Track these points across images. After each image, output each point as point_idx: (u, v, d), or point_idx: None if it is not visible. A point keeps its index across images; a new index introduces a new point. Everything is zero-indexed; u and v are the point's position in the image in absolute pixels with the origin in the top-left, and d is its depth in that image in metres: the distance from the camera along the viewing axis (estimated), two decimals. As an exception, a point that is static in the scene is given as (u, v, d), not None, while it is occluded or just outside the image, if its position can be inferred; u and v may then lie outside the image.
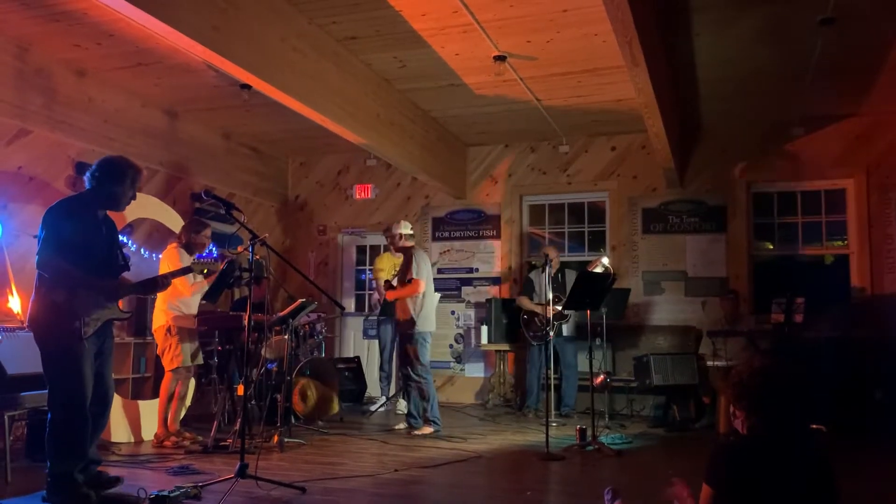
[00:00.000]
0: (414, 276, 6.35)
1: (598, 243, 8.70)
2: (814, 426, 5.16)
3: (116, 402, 5.82)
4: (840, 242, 7.99)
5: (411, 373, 6.34)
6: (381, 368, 8.00)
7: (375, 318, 8.22)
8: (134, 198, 4.19)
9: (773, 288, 7.56)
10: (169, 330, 5.67)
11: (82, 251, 3.90)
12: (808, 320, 6.70)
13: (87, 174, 4.06)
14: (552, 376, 6.73)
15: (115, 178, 4.04)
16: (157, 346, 5.85)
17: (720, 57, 6.16)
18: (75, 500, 3.84)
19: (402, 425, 6.53)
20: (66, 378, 3.86)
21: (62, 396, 3.88)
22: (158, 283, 4.41)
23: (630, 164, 8.46)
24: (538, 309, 7.33)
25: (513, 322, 7.97)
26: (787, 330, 6.72)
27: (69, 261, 3.83)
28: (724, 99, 7.25)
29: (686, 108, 7.51)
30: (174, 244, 5.81)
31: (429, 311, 6.47)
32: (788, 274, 8.12)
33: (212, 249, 6.18)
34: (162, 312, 5.72)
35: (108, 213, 4.19)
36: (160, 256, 5.99)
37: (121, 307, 4.19)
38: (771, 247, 8.26)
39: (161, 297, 5.73)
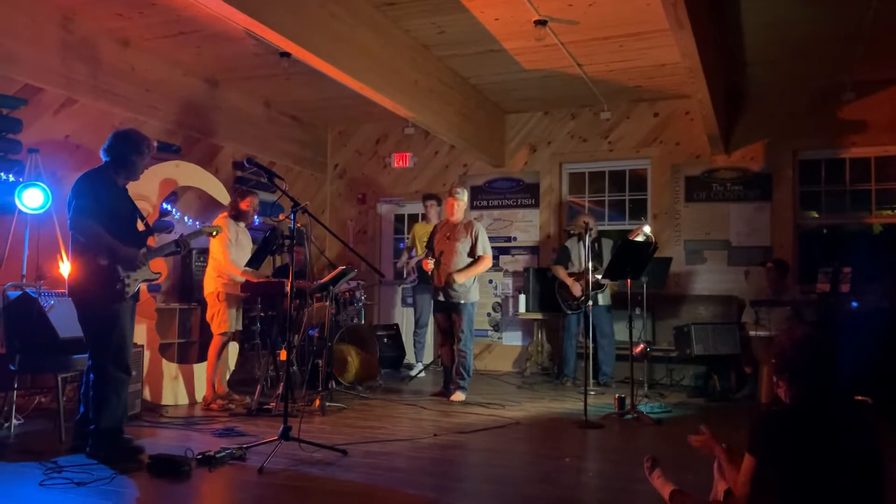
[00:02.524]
0: (482, 251, 6.47)
1: (639, 212, 8.59)
2: (858, 397, 5.09)
3: (163, 365, 5.99)
4: (890, 211, 7.76)
5: (458, 345, 6.39)
6: (415, 334, 8.10)
7: (411, 285, 8.31)
8: (146, 167, 4.47)
9: (819, 257, 7.40)
10: (218, 296, 5.86)
11: (113, 217, 4.16)
12: (855, 290, 6.55)
13: (104, 148, 4.31)
14: (590, 345, 6.69)
15: (132, 148, 4.30)
16: (207, 311, 6.01)
17: (768, 19, 5.96)
18: (125, 453, 4.03)
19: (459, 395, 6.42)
20: (113, 337, 4.10)
21: (109, 355, 4.10)
22: (181, 244, 4.56)
23: (673, 130, 8.30)
24: (569, 280, 7.31)
25: (551, 291, 7.96)
26: (833, 300, 6.58)
27: (103, 226, 4.08)
28: (771, 63, 7.04)
29: (731, 73, 7.30)
30: (224, 214, 6.05)
31: (476, 280, 6.56)
32: (835, 243, 7.93)
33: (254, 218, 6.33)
34: (212, 280, 5.91)
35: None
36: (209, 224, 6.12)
37: (152, 270, 4.41)
38: (816, 215, 8.06)
39: (211, 265, 5.95)
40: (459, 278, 6.36)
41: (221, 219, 5.96)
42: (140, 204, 4.98)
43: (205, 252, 6.40)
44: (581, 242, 7.48)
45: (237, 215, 6.04)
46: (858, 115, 7.56)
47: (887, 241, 7.72)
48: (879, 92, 7.48)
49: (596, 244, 7.30)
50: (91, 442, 4.09)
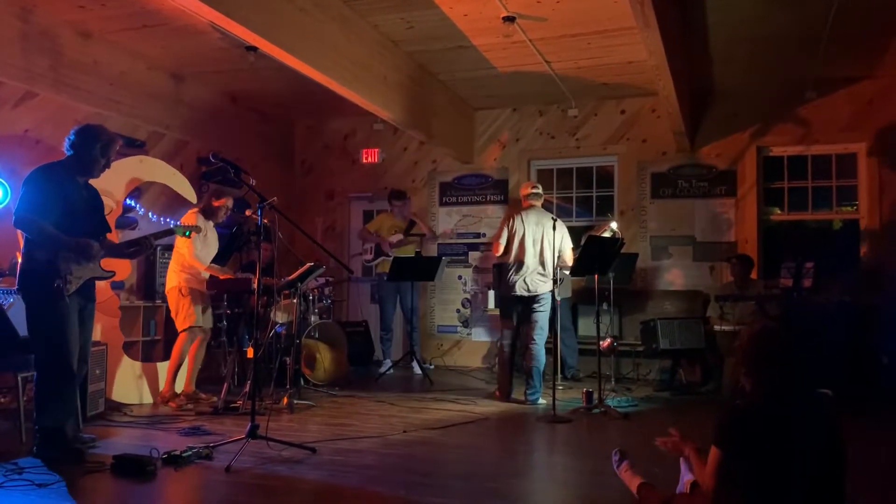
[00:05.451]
0: None
1: (606, 208, 8.65)
2: (819, 390, 5.20)
3: (126, 364, 5.89)
4: (850, 207, 7.93)
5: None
6: (388, 330, 8.07)
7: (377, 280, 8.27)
8: (107, 166, 4.36)
9: (783, 253, 7.53)
10: (181, 290, 5.76)
11: (62, 213, 4.06)
12: (817, 285, 6.69)
13: (66, 141, 4.25)
14: (555, 340, 6.73)
15: (88, 144, 4.22)
16: (168, 307, 5.91)
17: (734, 18, 6.04)
18: (67, 454, 3.99)
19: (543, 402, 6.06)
20: (52, 335, 4.02)
21: (49, 353, 4.04)
22: (143, 244, 4.51)
23: (640, 127, 8.38)
24: None
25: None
26: (796, 295, 6.72)
27: (49, 221, 3.99)
28: (736, 61, 7.14)
29: (697, 71, 7.40)
30: (195, 209, 5.93)
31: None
32: (798, 239, 8.08)
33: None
34: (174, 273, 5.81)
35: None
36: (177, 222, 6.01)
37: (103, 268, 4.33)
38: (780, 211, 8.20)
39: (174, 260, 5.85)
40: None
41: (191, 214, 5.82)
42: (102, 199, 4.86)
43: (170, 248, 6.29)
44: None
45: (208, 212, 5.92)
46: (820, 112, 7.71)
47: (847, 236, 7.89)
48: (840, 90, 7.63)
49: None
50: (37, 441, 4.05)
